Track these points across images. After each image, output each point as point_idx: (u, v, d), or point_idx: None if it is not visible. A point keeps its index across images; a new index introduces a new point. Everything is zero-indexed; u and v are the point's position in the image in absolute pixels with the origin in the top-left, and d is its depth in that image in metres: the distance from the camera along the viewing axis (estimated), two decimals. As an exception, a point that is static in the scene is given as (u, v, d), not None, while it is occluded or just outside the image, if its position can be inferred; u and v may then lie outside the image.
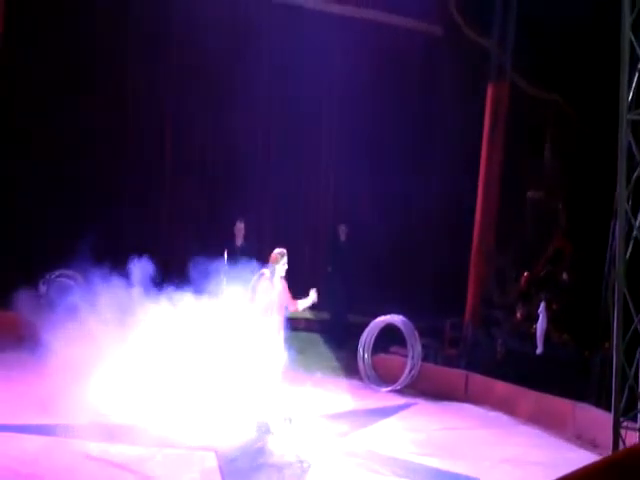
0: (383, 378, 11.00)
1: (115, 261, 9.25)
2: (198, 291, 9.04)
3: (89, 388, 9.24)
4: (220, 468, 7.55)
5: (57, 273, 11.57)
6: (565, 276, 12.00)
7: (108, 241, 10.93)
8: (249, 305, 8.73)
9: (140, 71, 13.19)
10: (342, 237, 13.23)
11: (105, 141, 12.91)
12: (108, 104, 12.94)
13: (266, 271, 8.81)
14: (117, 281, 9.17)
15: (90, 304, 9.30)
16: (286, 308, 8.86)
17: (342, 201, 13.86)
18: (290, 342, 8.87)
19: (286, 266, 8.84)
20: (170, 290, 9.09)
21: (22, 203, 12.38)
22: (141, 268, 9.27)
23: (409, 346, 10.96)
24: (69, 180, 12.59)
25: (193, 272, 9.18)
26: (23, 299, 9.42)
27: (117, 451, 7.67)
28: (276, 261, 8.82)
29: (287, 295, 8.84)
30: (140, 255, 9.38)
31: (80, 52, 12.76)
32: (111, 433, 8.10)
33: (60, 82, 12.63)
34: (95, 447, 7.71)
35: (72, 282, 11.11)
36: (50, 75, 12.56)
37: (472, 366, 10.94)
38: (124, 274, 9.22)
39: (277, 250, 8.91)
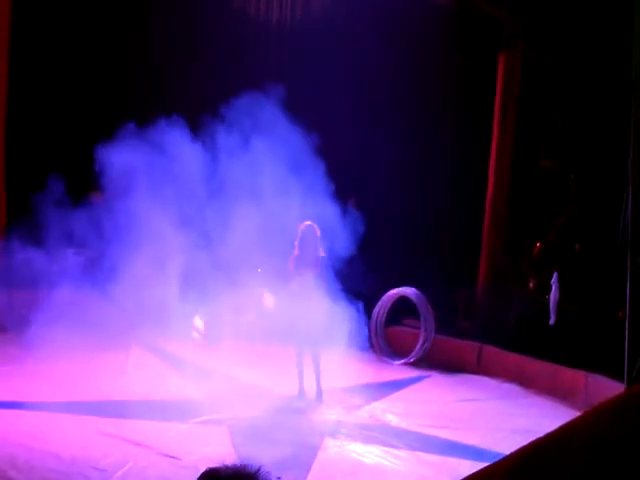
0: (396, 351, 11.00)
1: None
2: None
3: (103, 365, 9.35)
4: (233, 442, 7.56)
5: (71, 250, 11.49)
6: (577, 246, 11.93)
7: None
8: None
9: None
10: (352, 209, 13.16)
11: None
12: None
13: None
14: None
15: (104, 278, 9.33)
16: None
17: (352, 172, 13.78)
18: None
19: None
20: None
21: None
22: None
23: (422, 318, 10.94)
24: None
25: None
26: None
27: (130, 427, 7.70)
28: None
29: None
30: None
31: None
32: (124, 409, 8.15)
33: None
34: (108, 423, 7.75)
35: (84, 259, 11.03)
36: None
37: (485, 338, 10.91)
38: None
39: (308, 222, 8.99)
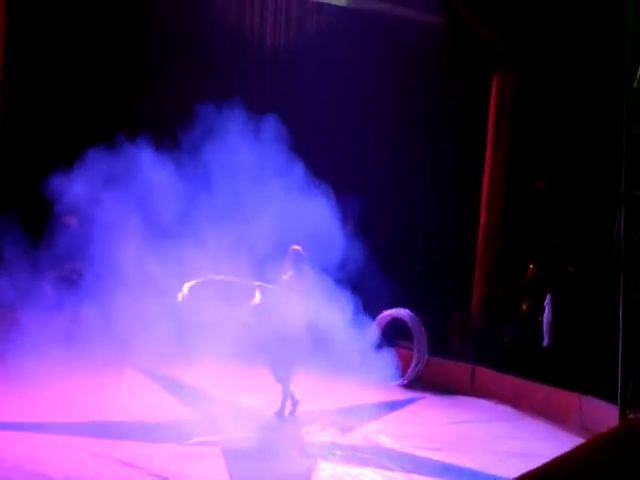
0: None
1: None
2: None
3: (96, 386, 9.31)
4: (227, 464, 7.53)
5: (63, 268, 11.43)
6: (570, 268, 11.95)
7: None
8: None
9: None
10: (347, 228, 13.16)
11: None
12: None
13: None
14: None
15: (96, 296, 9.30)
16: None
17: (348, 191, 13.79)
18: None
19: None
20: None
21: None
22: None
23: (415, 340, 10.94)
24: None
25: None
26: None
27: (124, 448, 7.66)
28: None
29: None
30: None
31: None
32: (117, 430, 8.12)
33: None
34: (101, 444, 7.71)
35: (77, 277, 10.97)
36: None
37: (479, 359, 10.91)
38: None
39: (296, 247, 8.94)
